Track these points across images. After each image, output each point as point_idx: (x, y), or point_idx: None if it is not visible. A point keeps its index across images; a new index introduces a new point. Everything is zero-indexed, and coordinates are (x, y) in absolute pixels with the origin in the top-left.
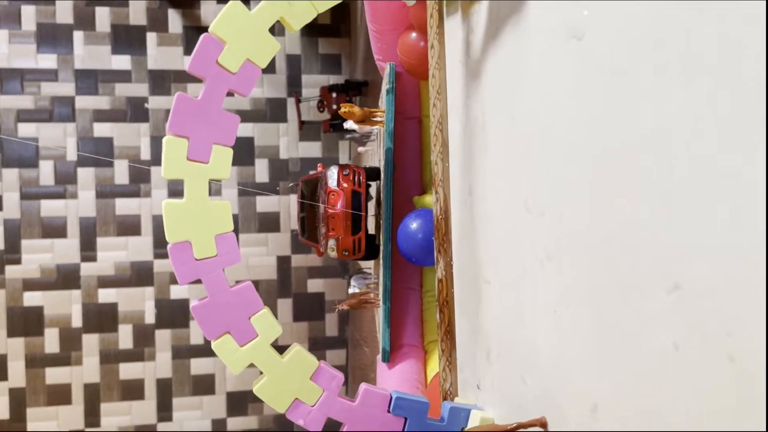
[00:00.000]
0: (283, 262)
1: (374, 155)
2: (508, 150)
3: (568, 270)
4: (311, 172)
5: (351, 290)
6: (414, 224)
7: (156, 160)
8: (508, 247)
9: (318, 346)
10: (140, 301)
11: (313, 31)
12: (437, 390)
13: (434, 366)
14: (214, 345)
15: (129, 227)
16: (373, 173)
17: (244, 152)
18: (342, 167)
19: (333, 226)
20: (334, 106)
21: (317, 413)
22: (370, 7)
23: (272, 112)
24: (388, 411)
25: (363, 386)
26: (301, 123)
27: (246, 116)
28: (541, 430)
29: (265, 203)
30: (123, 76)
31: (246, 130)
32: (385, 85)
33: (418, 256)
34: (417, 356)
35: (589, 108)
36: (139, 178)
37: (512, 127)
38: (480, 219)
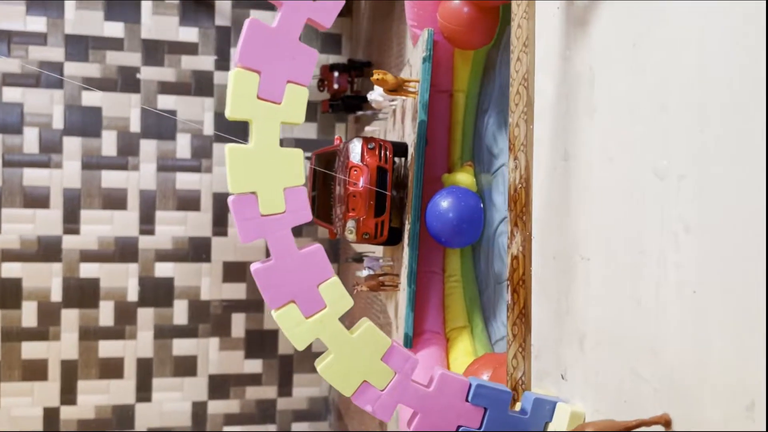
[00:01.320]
0: None
1: (385, 134)
2: (632, 108)
3: (714, 244)
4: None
5: (365, 272)
6: (445, 203)
7: (146, 132)
8: (623, 218)
9: None
10: (123, 278)
11: None
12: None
13: (456, 354)
14: (276, 314)
15: (115, 201)
16: (399, 149)
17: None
18: (366, 140)
19: (353, 205)
20: (336, 86)
21: (387, 399)
22: None
23: None
24: (467, 400)
25: (439, 371)
26: None
27: None
28: (664, 430)
29: None
30: (115, 43)
31: None
32: (421, 53)
33: (449, 237)
34: (439, 343)
35: (758, 50)
36: (128, 150)
37: (639, 81)
38: (579, 188)
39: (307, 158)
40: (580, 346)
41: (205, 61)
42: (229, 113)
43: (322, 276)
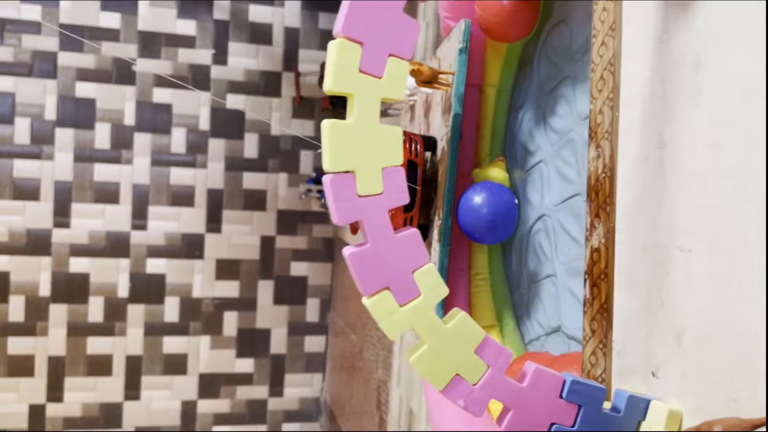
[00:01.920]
0: (266, 243)
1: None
2: (749, 90)
3: None
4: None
5: None
6: (479, 198)
7: (141, 126)
8: (734, 207)
9: (297, 331)
10: (114, 273)
11: (313, 4)
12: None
13: None
14: (369, 302)
15: (107, 195)
16: (427, 143)
17: (233, 125)
18: None
19: None
20: None
21: (480, 393)
22: None
23: (266, 85)
24: (560, 396)
25: (533, 366)
26: (300, 98)
27: (238, 88)
28: None
29: (252, 180)
30: (111, 34)
31: (237, 101)
32: (457, 44)
33: (482, 232)
34: None
35: None
36: (122, 143)
37: (755, 62)
38: (678, 176)
39: (315, 151)
40: (677, 341)
41: (202, 55)
42: (331, 86)
43: (418, 262)
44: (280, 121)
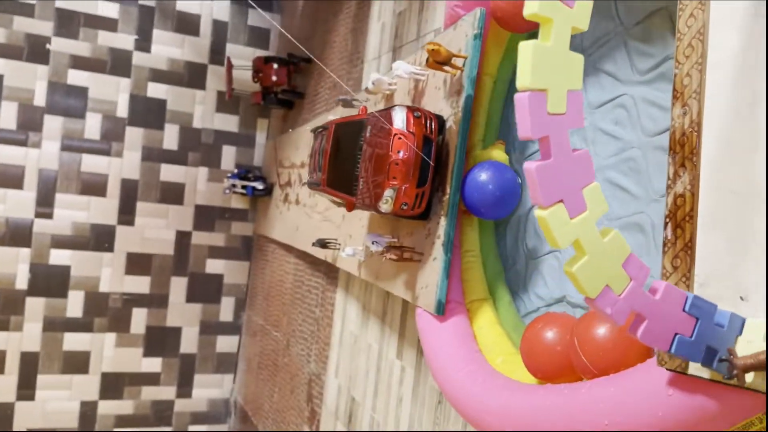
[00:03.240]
0: (182, 238)
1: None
2: None
3: None
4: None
5: (374, 248)
6: (485, 175)
7: (52, 108)
8: None
9: (210, 330)
10: (12, 263)
11: None
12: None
13: (481, 323)
14: (545, 213)
15: (10, 179)
16: (440, 123)
17: (153, 114)
18: (412, 109)
19: (395, 174)
20: (274, 78)
21: (623, 304)
22: None
23: (190, 77)
24: (683, 310)
25: (663, 283)
26: (231, 90)
27: (161, 77)
28: None
29: (170, 172)
30: (26, 9)
31: (158, 91)
32: (473, 30)
33: (488, 207)
34: (464, 312)
35: None
36: (30, 125)
37: None
38: None
39: (314, 131)
40: None
41: (124, 40)
42: (537, 10)
43: (587, 180)
44: (203, 114)
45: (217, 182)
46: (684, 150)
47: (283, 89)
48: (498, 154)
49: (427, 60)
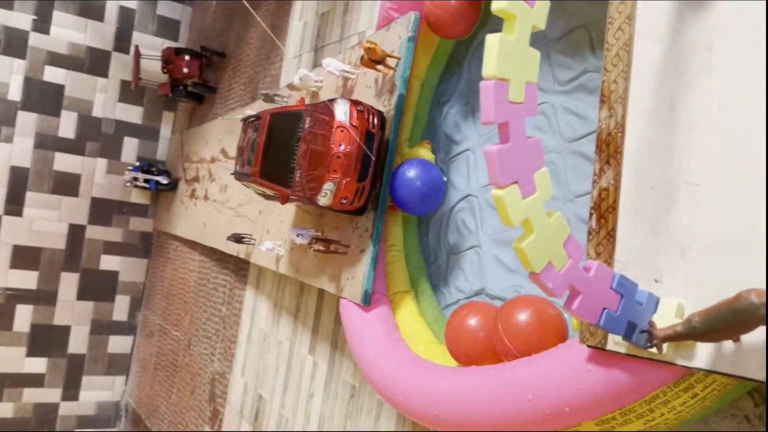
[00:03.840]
0: (75, 232)
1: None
2: (759, 65)
3: None
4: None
5: (299, 240)
6: (413, 172)
7: (26, 104)
8: (739, 151)
9: (101, 330)
10: None
11: None
12: (453, 330)
13: (403, 314)
14: (502, 192)
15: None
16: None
17: (49, 99)
18: (355, 103)
19: (336, 167)
20: (186, 70)
21: (563, 279)
22: None
23: (92, 63)
24: (611, 287)
25: (596, 262)
26: (138, 80)
27: (59, 61)
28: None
29: (65, 162)
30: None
31: (56, 75)
32: (407, 33)
33: (415, 203)
34: (387, 303)
35: None
36: (3, 119)
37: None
38: (685, 131)
39: (244, 121)
40: (681, 255)
41: (20, 19)
42: (505, 5)
43: (538, 165)
44: (104, 103)
45: (117, 175)
46: (609, 148)
47: (194, 82)
48: (425, 152)
49: (362, 58)
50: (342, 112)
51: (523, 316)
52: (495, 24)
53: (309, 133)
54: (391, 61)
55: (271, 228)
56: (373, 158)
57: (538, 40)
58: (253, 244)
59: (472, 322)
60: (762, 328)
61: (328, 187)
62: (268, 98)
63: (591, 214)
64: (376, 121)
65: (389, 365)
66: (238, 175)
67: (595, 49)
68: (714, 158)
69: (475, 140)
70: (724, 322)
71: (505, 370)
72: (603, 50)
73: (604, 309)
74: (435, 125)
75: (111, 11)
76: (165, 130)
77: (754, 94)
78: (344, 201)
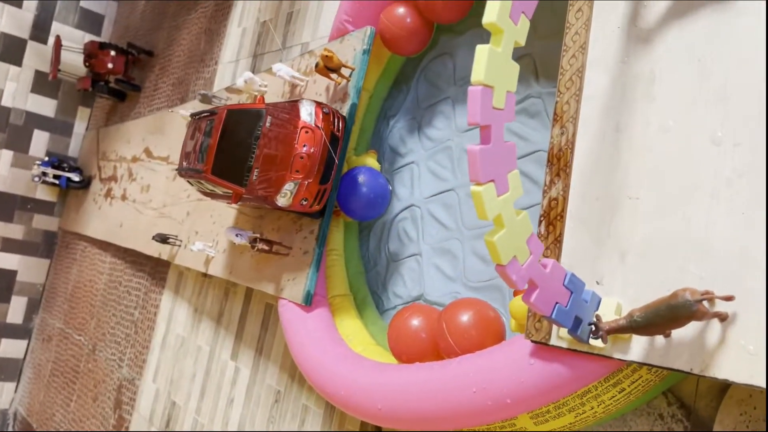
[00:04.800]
0: None
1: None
2: (695, 97)
3: (762, 183)
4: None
5: (238, 240)
6: (361, 177)
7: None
8: (675, 169)
9: None
10: None
11: None
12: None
13: (343, 317)
14: (481, 189)
15: None
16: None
17: None
18: (320, 104)
19: (300, 167)
20: (110, 65)
21: (525, 273)
22: None
23: (6, 50)
24: (563, 284)
25: (551, 260)
26: (56, 71)
27: None
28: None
29: None
30: None
31: None
32: (362, 46)
33: (360, 208)
34: (326, 305)
35: None
36: None
37: (702, 81)
38: (628, 150)
39: (194, 116)
40: (621, 259)
41: None
42: (495, 19)
43: (511, 166)
44: (15, 93)
45: (24, 169)
46: (560, 162)
47: (117, 79)
48: (372, 161)
49: (317, 65)
50: (307, 112)
51: (466, 317)
52: (444, 47)
53: (270, 131)
54: (345, 71)
55: (200, 229)
56: (337, 161)
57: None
58: (179, 246)
59: (415, 322)
60: (691, 324)
61: (288, 187)
62: (206, 99)
63: (540, 221)
64: (341, 124)
65: (331, 362)
66: (185, 172)
67: (538, 77)
68: (652, 176)
69: (420, 154)
70: (662, 317)
71: (451, 365)
72: (545, 78)
73: (556, 303)
74: (380, 137)
75: None
76: (79, 126)
77: (688, 122)
78: (304, 203)
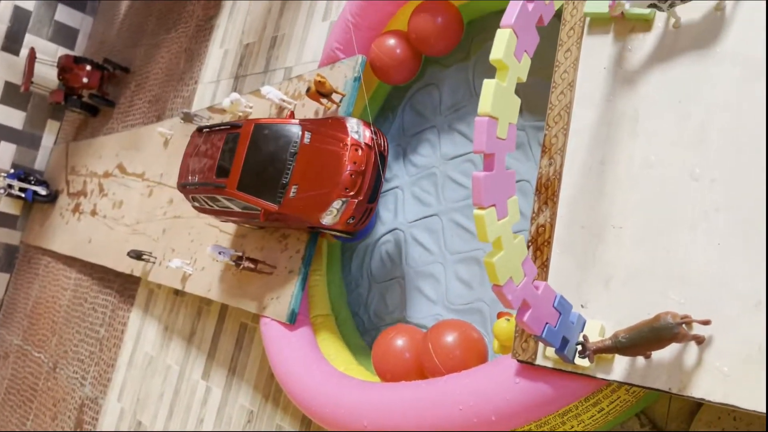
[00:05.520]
0: None
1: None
2: (676, 136)
3: (738, 216)
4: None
5: (221, 258)
6: None
7: None
8: (657, 202)
9: None
10: None
11: None
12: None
13: (324, 336)
14: (483, 212)
15: None
16: None
17: None
18: (366, 122)
19: (349, 185)
20: (85, 80)
21: (520, 293)
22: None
23: None
24: (553, 305)
25: (543, 283)
26: (29, 83)
27: None
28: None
29: None
30: None
31: None
32: (353, 73)
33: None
34: (309, 325)
35: None
36: None
37: (683, 122)
38: (612, 183)
39: (204, 130)
40: (605, 285)
41: None
42: (502, 56)
43: (511, 193)
44: None
45: None
46: (547, 191)
47: (91, 94)
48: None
49: (308, 89)
50: (354, 130)
51: (451, 337)
52: (431, 78)
53: (311, 147)
54: (335, 97)
55: (177, 246)
56: (384, 180)
57: (469, 98)
58: (153, 263)
59: (400, 342)
60: (670, 346)
61: (336, 205)
62: (188, 117)
63: (528, 246)
64: (386, 144)
65: (315, 380)
66: (194, 187)
67: (522, 111)
68: (635, 207)
69: (405, 180)
70: (645, 338)
71: (438, 383)
72: (528, 112)
73: (546, 323)
74: None
75: (5, 10)
76: (47, 139)
77: (669, 159)
78: (351, 221)
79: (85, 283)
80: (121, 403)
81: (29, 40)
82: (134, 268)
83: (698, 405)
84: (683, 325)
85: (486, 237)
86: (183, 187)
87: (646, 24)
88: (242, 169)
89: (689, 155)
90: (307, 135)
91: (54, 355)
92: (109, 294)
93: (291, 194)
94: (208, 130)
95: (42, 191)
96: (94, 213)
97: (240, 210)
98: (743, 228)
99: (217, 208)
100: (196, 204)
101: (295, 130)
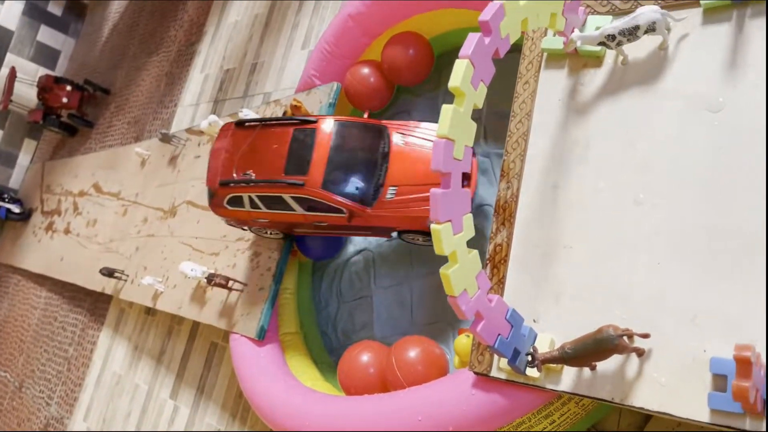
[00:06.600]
0: None
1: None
2: (622, 164)
3: (677, 240)
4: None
5: (193, 275)
6: None
7: None
8: (604, 224)
9: None
10: None
11: (39, 14)
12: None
13: (293, 353)
14: (440, 227)
15: None
16: None
17: None
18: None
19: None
20: (65, 100)
21: (474, 305)
22: (334, 30)
23: None
24: (506, 318)
25: (496, 296)
26: (8, 101)
27: None
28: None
29: None
30: None
31: None
32: (328, 99)
33: (318, 248)
34: (277, 341)
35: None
36: None
37: (629, 151)
38: (564, 205)
39: (247, 124)
40: (555, 301)
41: None
42: (459, 84)
43: (466, 209)
44: None
45: None
46: (505, 213)
47: (70, 114)
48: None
49: (285, 113)
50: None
51: (413, 353)
52: (404, 105)
53: (405, 148)
54: None
55: (150, 265)
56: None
57: None
58: (125, 280)
59: (365, 357)
60: (613, 358)
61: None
62: (166, 138)
63: (486, 264)
64: None
65: (282, 396)
66: (250, 184)
67: (487, 139)
68: (584, 228)
69: None
70: (589, 349)
71: (399, 395)
72: (493, 140)
73: (499, 335)
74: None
75: None
76: (24, 158)
77: (616, 184)
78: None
79: (55, 301)
80: (87, 423)
81: (10, 59)
82: (106, 286)
83: (647, 419)
84: (624, 338)
85: (442, 250)
86: (225, 185)
87: (597, 60)
88: (326, 167)
89: (634, 182)
90: (396, 135)
91: (20, 374)
92: (80, 313)
93: (387, 196)
94: (256, 124)
95: (15, 209)
96: (67, 231)
97: (304, 213)
98: (681, 249)
99: (265, 210)
100: (230, 207)
101: (382, 129)
